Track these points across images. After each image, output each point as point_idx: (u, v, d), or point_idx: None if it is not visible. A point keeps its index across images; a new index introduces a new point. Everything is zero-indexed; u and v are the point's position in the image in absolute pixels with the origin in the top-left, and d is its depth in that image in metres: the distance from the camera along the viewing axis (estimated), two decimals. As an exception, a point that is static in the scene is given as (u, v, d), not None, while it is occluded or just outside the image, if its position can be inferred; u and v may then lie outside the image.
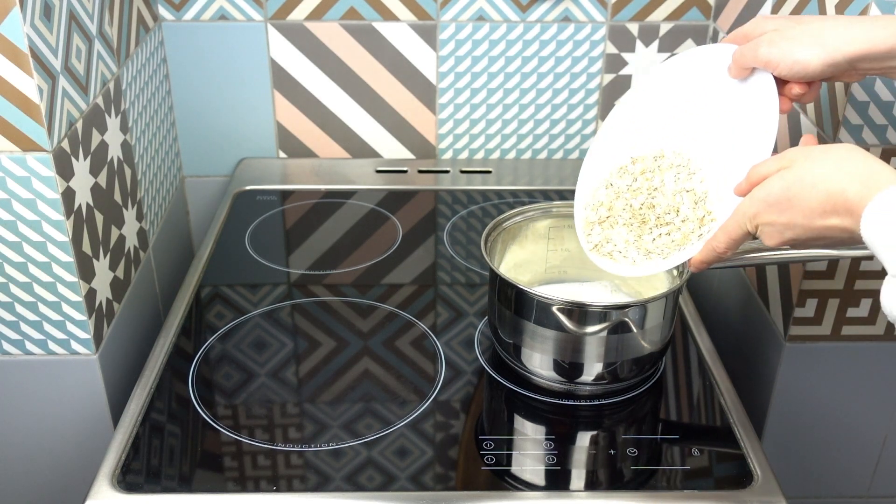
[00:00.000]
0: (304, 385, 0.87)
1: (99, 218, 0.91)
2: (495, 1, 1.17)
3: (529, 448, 0.79)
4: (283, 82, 1.22)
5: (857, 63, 0.70)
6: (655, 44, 1.20)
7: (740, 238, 0.68)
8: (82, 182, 0.87)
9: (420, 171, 1.26)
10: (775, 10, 0.97)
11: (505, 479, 0.76)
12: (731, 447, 0.79)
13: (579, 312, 0.80)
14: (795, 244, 0.64)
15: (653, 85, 0.84)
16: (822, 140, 0.86)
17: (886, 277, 0.55)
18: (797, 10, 0.91)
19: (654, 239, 0.79)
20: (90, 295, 0.88)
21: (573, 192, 0.85)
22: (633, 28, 1.19)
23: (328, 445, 0.78)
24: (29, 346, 0.89)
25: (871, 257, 0.69)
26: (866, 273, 0.90)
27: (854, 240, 0.59)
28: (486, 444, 0.79)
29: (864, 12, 0.78)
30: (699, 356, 0.92)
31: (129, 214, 1.01)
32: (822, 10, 0.86)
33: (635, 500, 0.74)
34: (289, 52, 1.19)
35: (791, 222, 0.62)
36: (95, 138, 0.90)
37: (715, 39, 1.18)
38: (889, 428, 1.00)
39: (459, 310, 0.98)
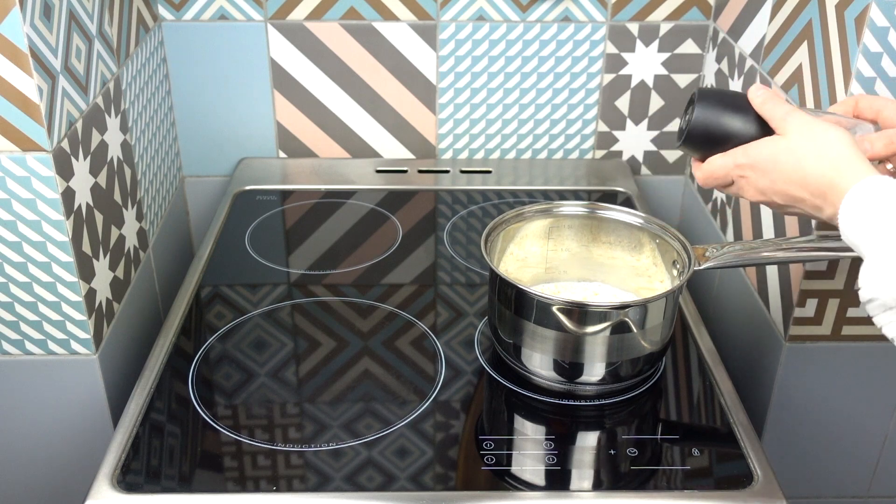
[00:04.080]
0: (304, 385, 0.87)
1: (99, 218, 0.91)
2: (495, 1, 1.17)
3: (529, 448, 0.79)
4: (283, 82, 1.22)
5: None
6: (655, 44, 1.20)
7: (720, 178, 0.72)
8: (82, 182, 0.86)
9: (420, 171, 1.26)
10: (775, 10, 0.97)
11: (505, 479, 0.75)
12: (731, 447, 0.79)
13: (579, 312, 0.80)
14: (770, 205, 0.70)
15: None
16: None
17: (864, 262, 0.59)
18: (797, 11, 0.91)
19: None
20: (90, 295, 0.88)
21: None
22: (633, 28, 1.19)
23: (328, 445, 0.78)
24: (29, 346, 0.89)
25: None
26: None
27: (817, 218, 0.66)
28: (486, 444, 0.79)
29: (863, 13, 0.78)
30: (699, 356, 0.91)
31: (129, 214, 1.01)
32: (822, 11, 0.86)
33: (635, 500, 0.74)
34: (289, 52, 1.19)
35: (770, 186, 0.68)
36: (95, 138, 0.90)
37: (715, 39, 1.18)
38: (889, 428, 1.00)
39: (459, 310, 0.98)
